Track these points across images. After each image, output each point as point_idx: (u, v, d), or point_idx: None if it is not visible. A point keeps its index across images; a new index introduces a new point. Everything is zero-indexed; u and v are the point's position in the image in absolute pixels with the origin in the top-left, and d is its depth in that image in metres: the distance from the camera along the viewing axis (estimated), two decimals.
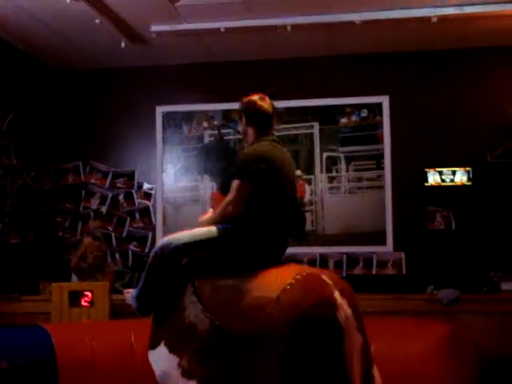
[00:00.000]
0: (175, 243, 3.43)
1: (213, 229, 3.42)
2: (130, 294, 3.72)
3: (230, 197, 3.37)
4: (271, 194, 3.37)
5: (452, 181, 6.40)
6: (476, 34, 6.13)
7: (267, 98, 3.61)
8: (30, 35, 6.09)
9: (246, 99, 3.62)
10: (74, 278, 6.36)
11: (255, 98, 3.59)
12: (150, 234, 6.93)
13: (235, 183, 3.37)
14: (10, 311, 5.77)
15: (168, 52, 6.61)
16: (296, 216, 3.66)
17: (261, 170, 3.33)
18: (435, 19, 5.61)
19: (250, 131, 3.57)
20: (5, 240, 6.08)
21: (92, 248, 6.09)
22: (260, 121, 3.55)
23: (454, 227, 6.43)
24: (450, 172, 6.40)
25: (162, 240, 3.60)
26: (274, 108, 3.63)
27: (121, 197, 7.04)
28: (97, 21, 5.63)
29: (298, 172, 6.71)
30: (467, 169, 6.37)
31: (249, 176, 3.33)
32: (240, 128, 3.68)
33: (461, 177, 6.38)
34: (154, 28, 5.98)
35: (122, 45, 6.10)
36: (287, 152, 3.67)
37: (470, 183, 6.36)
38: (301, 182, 6.71)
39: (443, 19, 5.65)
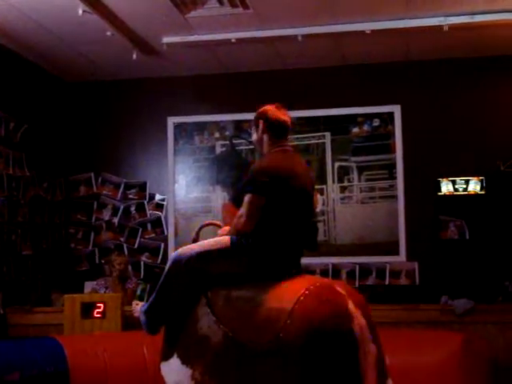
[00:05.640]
0: (188, 253, 3.42)
1: (225, 239, 3.41)
2: (138, 306, 3.71)
3: (241, 211, 3.34)
4: (282, 206, 3.35)
5: (465, 190, 6.36)
6: (488, 42, 6.11)
7: (284, 108, 3.61)
8: (42, 47, 6.12)
9: (263, 107, 3.61)
10: (87, 289, 6.38)
11: (273, 106, 3.58)
12: (162, 245, 6.93)
13: (247, 197, 3.33)
14: (22, 323, 5.76)
15: (179, 63, 6.63)
16: (310, 227, 3.63)
17: (272, 183, 3.30)
18: (447, 28, 5.60)
19: (266, 139, 3.51)
20: (17, 251, 6.10)
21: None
22: (277, 129, 3.51)
23: (467, 237, 6.39)
24: (463, 181, 6.36)
25: (175, 252, 3.58)
26: (291, 118, 3.61)
27: (133, 208, 7.04)
28: (108, 33, 5.66)
29: None
30: (480, 178, 6.33)
31: (261, 189, 3.29)
32: (254, 137, 3.60)
33: (474, 186, 6.34)
34: (166, 40, 6.00)
35: (134, 56, 6.12)
36: (303, 161, 3.63)
37: (483, 192, 6.32)
38: None
39: (455, 28, 5.63)
